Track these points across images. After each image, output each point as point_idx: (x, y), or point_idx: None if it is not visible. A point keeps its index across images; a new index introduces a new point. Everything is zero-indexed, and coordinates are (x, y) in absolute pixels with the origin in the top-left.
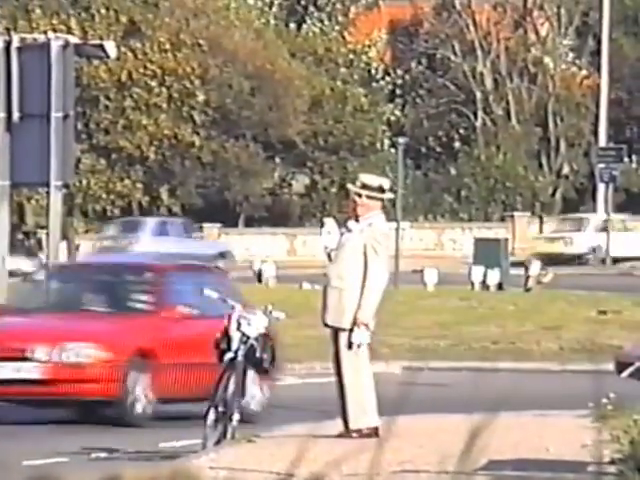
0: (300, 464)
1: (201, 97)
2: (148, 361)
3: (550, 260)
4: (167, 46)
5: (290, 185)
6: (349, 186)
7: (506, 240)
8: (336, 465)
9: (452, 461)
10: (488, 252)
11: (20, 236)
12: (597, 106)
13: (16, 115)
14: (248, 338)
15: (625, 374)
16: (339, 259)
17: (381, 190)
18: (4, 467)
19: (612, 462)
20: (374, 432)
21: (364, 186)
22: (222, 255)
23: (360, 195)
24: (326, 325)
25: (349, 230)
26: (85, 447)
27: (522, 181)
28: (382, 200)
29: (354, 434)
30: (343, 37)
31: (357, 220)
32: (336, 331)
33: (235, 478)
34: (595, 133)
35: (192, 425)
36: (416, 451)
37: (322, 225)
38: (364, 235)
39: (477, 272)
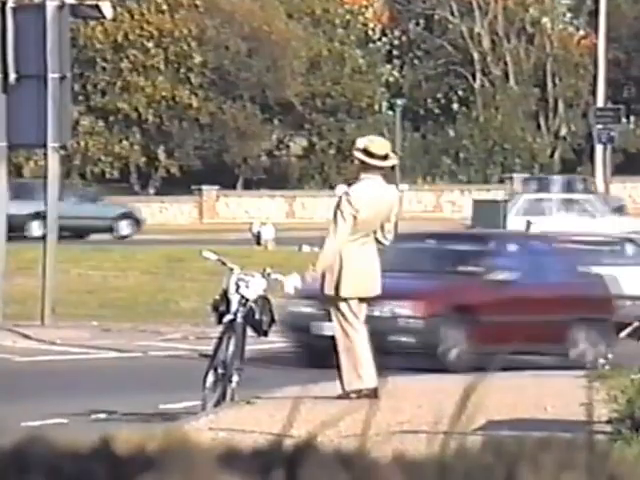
0: (297, 424)
1: (198, 59)
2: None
3: None
4: (164, 7)
5: (288, 147)
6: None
7: (505, 202)
8: (333, 425)
9: (449, 421)
10: (487, 214)
11: None
12: (595, 66)
13: (12, 76)
14: (247, 300)
15: (623, 334)
16: (330, 226)
17: (373, 155)
18: (2, 427)
19: (609, 421)
20: (373, 393)
21: (357, 149)
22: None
23: (355, 157)
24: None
25: (340, 197)
26: (85, 408)
27: (520, 142)
28: (377, 166)
29: (353, 395)
30: None
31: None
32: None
33: (234, 439)
34: (593, 94)
35: (191, 387)
36: (415, 411)
37: (334, 190)
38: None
39: None
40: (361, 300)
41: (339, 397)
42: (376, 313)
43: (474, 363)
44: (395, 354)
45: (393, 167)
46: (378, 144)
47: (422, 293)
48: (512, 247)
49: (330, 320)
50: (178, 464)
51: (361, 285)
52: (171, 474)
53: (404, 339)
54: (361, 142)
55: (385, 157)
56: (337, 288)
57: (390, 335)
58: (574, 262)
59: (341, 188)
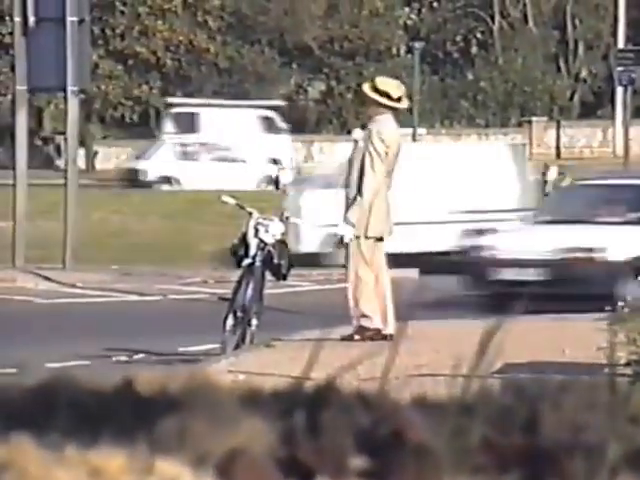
0: (316, 367)
1: (216, 2)
2: None
3: None
4: None
5: (306, 91)
6: (363, 86)
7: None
8: (352, 368)
9: (468, 365)
10: None
11: (39, 142)
12: (616, 7)
13: (32, 19)
14: (265, 244)
15: None
16: (352, 170)
17: (389, 97)
18: (27, 368)
19: (628, 364)
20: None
21: (375, 90)
22: None
23: (370, 98)
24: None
25: (355, 141)
26: (106, 351)
27: (539, 85)
28: (392, 108)
29: (356, 336)
30: None
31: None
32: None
33: (254, 382)
34: (614, 35)
35: (211, 330)
36: (433, 355)
37: (350, 134)
38: (365, 143)
39: None
40: (379, 240)
41: (343, 338)
42: None
43: None
44: None
45: (411, 110)
46: (395, 86)
47: None
48: None
49: None
50: (201, 405)
51: (385, 225)
52: (194, 415)
53: None
54: (387, 86)
55: (399, 99)
56: (366, 228)
57: None
58: None
59: (358, 132)
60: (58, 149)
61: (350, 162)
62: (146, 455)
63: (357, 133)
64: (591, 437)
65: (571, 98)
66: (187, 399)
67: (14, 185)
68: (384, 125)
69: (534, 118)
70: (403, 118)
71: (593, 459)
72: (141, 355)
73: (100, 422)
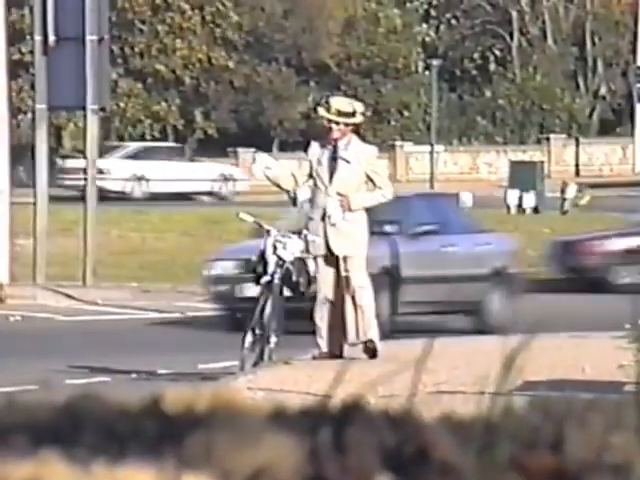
0: (338, 385)
1: (234, 20)
2: None
3: None
4: None
5: None
6: (322, 112)
7: (542, 163)
8: (372, 386)
9: (487, 382)
10: (524, 175)
11: (59, 160)
12: (635, 24)
13: (52, 38)
14: (284, 262)
15: None
16: (343, 191)
17: (354, 115)
18: (47, 385)
19: None
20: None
21: (340, 113)
22: None
23: (337, 123)
24: (332, 254)
25: (347, 161)
26: (126, 368)
27: (558, 102)
28: (356, 124)
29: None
30: None
31: (334, 145)
32: (341, 259)
33: (273, 399)
34: (633, 52)
35: (229, 347)
36: (452, 373)
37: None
38: (361, 163)
39: (513, 195)
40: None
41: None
42: None
43: None
44: None
45: (429, 127)
46: (349, 102)
47: None
48: None
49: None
50: (227, 422)
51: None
52: (220, 432)
53: None
54: (349, 107)
55: (355, 114)
56: (366, 246)
57: None
58: None
59: (344, 152)
60: None
61: (337, 184)
62: (173, 471)
63: (343, 152)
64: (618, 456)
65: (590, 115)
66: (213, 416)
67: (34, 203)
68: (364, 144)
69: (552, 135)
70: (421, 135)
71: (620, 478)
72: (160, 372)
73: (127, 438)
